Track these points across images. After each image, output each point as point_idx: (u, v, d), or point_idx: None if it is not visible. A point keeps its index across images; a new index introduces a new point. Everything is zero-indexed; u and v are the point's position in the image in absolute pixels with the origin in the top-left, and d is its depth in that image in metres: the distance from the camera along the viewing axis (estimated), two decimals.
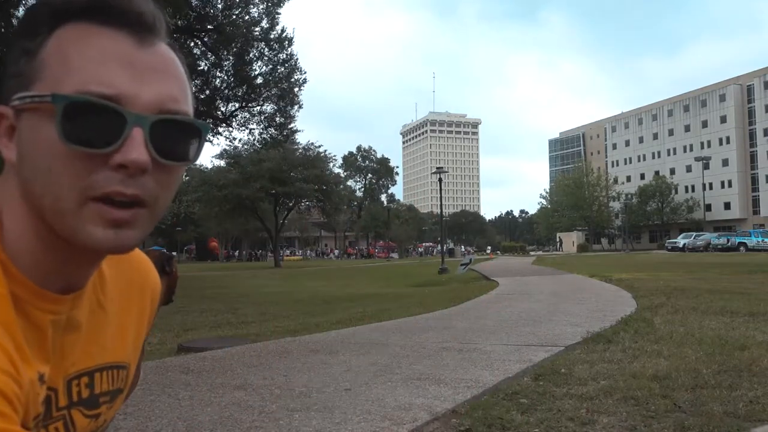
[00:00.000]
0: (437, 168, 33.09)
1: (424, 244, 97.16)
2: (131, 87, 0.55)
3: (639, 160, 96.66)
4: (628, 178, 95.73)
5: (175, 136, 0.58)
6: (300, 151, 43.92)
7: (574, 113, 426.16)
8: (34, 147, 0.55)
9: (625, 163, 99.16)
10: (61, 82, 0.55)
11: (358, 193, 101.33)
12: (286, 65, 19.80)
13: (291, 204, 47.19)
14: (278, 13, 18.88)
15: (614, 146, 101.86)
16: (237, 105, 20.27)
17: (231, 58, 18.64)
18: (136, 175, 0.55)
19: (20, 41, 0.58)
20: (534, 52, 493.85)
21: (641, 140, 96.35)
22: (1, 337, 0.51)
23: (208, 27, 17.01)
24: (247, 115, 20.70)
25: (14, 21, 13.40)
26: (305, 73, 20.44)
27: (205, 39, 17.51)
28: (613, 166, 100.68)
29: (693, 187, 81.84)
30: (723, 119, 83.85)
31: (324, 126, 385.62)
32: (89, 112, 0.54)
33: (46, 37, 0.57)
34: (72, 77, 0.54)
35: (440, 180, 31.83)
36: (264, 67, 19.67)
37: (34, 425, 0.57)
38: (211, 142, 21.12)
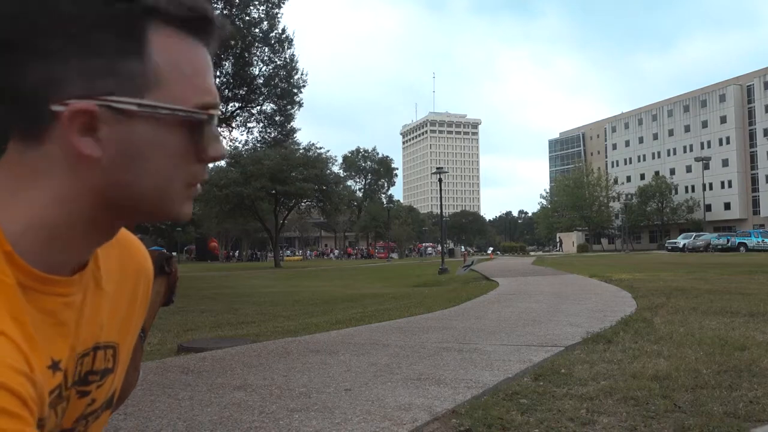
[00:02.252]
0: (437, 168, 33.11)
1: (423, 244, 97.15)
2: (217, 95, 0.63)
3: (639, 161, 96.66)
4: (628, 179, 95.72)
5: None
6: (300, 151, 44.00)
7: (574, 113, 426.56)
8: (150, 149, 0.59)
9: (625, 164, 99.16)
10: (184, 93, 0.59)
11: (358, 194, 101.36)
12: (288, 67, 19.82)
13: (291, 204, 47.22)
14: (278, 14, 18.90)
15: (614, 146, 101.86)
16: (237, 105, 20.28)
17: (231, 58, 18.64)
18: None
19: (105, 35, 0.56)
20: (533, 51, 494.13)
21: (641, 140, 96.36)
22: (15, 333, 0.51)
23: None
24: (247, 115, 20.73)
25: None
26: (306, 74, 20.50)
27: None
28: (613, 166, 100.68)
29: (693, 187, 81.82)
30: (723, 119, 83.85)
31: (322, 126, 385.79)
32: (210, 121, 0.62)
33: (146, 38, 0.57)
34: (191, 88, 0.60)
35: (440, 180, 31.88)
36: (264, 68, 19.69)
37: (48, 412, 0.57)
38: None
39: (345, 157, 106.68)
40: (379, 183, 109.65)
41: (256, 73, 19.60)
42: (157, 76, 0.58)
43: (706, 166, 67.18)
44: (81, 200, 0.59)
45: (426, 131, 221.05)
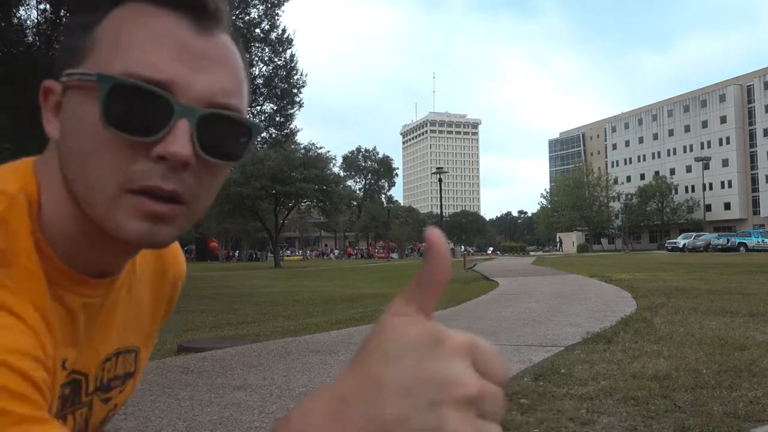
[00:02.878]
0: (437, 168, 33.15)
1: (423, 244, 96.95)
2: (183, 75, 0.52)
3: (639, 161, 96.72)
4: (628, 179, 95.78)
5: (224, 133, 0.55)
6: (301, 151, 44.05)
7: (574, 113, 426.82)
8: (77, 127, 0.53)
9: (625, 164, 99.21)
10: (111, 62, 0.52)
11: (358, 193, 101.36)
12: (288, 67, 19.85)
13: (291, 204, 47.24)
14: (278, 14, 18.92)
15: (614, 146, 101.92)
16: None
17: None
18: (178, 170, 0.52)
19: (78, 15, 0.56)
20: (532, 50, 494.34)
21: (641, 140, 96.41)
22: (35, 320, 0.50)
23: None
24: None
25: (14, 21, 13.38)
26: (306, 75, 20.54)
27: None
28: (613, 166, 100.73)
29: (693, 187, 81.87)
30: (723, 119, 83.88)
31: (322, 126, 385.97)
32: (135, 97, 0.50)
33: (105, 13, 0.54)
34: (121, 58, 0.52)
35: (440, 180, 31.95)
36: (264, 68, 19.71)
37: (59, 412, 0.56)
38: None
39: (345, 157, 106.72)
40: (380, 183, 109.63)
41: (256, 73, 19.63)
42: (93, 46, 0.53)
43: (706, 166, 67.24)
44: (62, 190, 0.56)
45: (426, 131, 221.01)
